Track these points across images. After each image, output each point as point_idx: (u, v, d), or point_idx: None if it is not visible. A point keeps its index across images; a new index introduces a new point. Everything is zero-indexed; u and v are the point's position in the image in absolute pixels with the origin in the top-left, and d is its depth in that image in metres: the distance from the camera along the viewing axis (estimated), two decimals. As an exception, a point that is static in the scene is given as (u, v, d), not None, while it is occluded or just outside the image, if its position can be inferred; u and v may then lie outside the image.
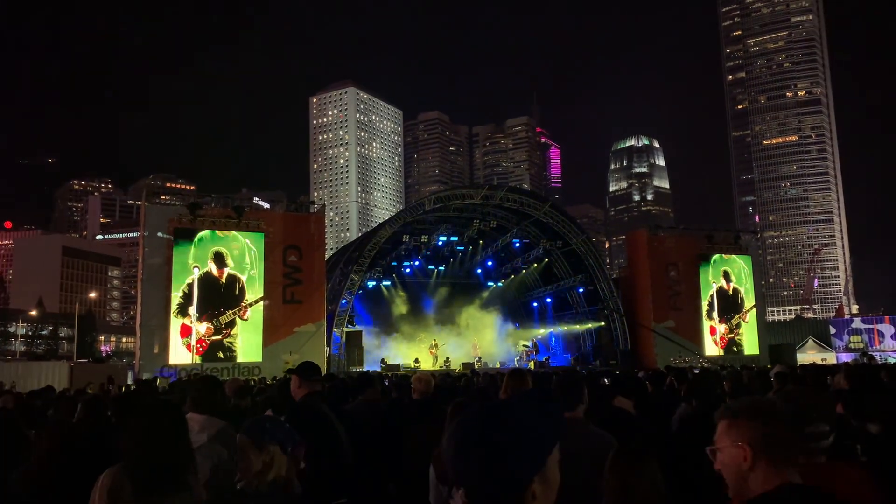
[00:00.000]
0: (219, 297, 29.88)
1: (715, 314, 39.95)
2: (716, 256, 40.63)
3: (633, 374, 10.99)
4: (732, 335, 40.52)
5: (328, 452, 4.43)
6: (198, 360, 28.98)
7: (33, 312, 75.50)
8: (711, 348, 39.48)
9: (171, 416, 3.19)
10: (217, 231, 30.13)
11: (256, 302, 30.43)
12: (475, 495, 1.48)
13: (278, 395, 6.17)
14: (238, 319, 30.14)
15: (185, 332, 29.01)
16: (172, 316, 28.84)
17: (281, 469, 3.05)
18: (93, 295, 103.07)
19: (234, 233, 30.42)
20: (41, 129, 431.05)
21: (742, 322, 41.00)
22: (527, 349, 41.52)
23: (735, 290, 40.96)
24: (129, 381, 26.84)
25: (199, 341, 29.14)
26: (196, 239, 29.65)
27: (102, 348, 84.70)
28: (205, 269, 29.64)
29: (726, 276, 40.72)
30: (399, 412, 6.43)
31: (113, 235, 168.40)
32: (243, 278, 30.40)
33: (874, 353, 48.78)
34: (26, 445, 5.90)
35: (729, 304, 40.60)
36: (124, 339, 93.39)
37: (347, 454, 4.68)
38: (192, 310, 29.18)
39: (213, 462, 3.87)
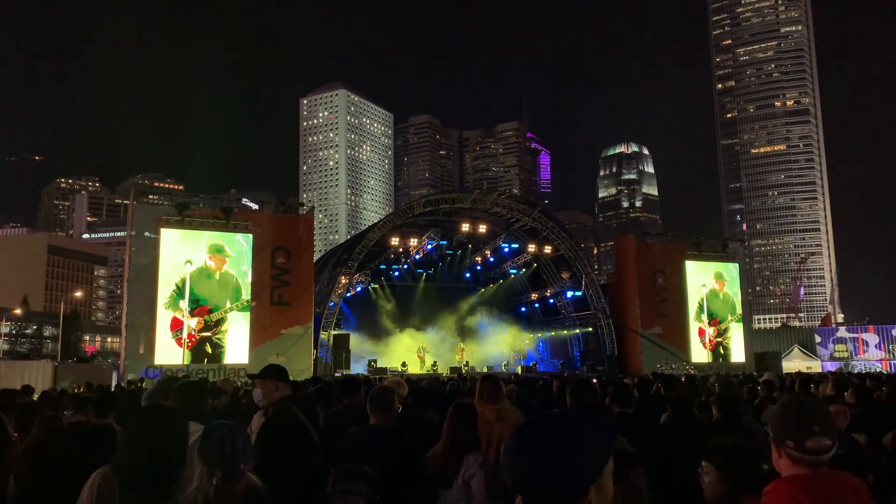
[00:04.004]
0: (212, 292, 29.72)
1: (704, 316, 40.11)
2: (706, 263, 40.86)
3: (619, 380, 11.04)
4: (721, 339, 40.69)
5: (303, 459, 4.43)
6: (187, 354, 28.82)
7: (17, 311, 74.66)
8: (699, 353, 39.61)
9: (168, 421, 3.15)
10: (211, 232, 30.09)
11: (244, 307, 30.30)
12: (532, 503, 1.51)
13: None
14: (229, 315, 29.96)
15: (176, 325, 28.84)
16: (163, 308, 28.63)
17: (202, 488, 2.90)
18: (78, 294, 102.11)
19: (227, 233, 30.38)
20: (29, 127, 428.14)
21: (730, 326, 41.16)
22: (514, 354, 41.57)
23: (726, 293, 41.16)
24: (114, 381, 26.64)
25: (188, 336, 28.98)
26: (193, 234, 29.60)
27: (87, 348, 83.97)
28: (199, 264, 29.50)
29: (718, 276, 40.88)
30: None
31: (100, 234, 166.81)
32: (237, 275, 30.29)
33: (858, 363, 49.22)
34: (10, 447, 5.86)
35: (719, 306, 40.81)
36: (109, 339, 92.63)
37: (321, 461, 4.64)
38: (184, 304, 29.03)
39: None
